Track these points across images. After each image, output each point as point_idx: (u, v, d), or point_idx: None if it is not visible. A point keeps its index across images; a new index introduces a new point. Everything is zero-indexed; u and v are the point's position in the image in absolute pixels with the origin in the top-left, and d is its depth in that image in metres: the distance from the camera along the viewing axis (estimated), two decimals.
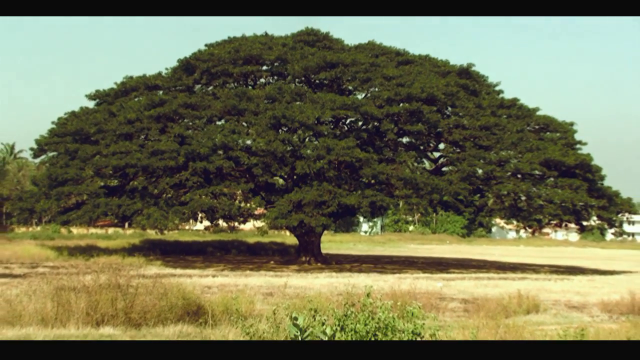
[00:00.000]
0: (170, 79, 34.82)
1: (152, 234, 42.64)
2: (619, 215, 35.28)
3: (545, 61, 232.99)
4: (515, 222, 35.74)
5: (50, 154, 34.67)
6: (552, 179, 32.41)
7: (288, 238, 48.30)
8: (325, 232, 39.31)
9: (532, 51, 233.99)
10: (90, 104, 36.37)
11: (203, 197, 29.45)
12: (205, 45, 36.38)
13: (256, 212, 33.20)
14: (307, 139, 31.48)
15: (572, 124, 36.01)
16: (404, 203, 32.35)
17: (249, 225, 43.49)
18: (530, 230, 38.11)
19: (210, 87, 34.66)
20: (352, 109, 30.50)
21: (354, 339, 5.36)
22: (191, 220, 34.86)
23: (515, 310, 15.63)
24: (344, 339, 5.38)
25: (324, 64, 32.36)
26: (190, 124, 32.28)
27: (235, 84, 34.80)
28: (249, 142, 30.73)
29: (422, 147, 35.47)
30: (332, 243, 54.84)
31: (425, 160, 37.15)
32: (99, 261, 20.09)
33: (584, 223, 35.19)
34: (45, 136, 34.39)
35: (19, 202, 34.79)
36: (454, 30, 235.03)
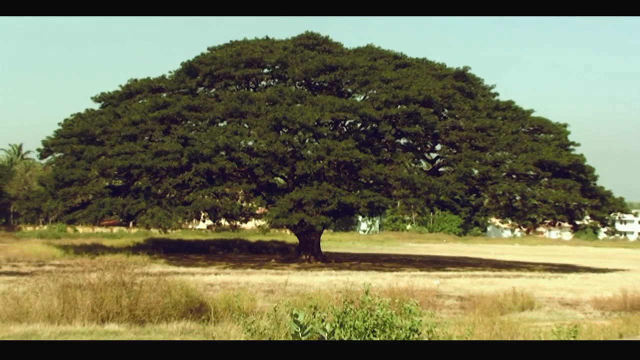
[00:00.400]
0: (174, 82, 34.82)
1: (156, 232, 42.62)
2: (611, 215, 35.29)
3: (540, 63, 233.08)
4: (510, 221, 35.74)
5: (57, 155, 34.67)
6: (546, 179, 32.42)
7: (289, 237, 48.28)
8: (325, 231, 39.33)
9: (527, 53, 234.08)
10: (96, 106, 36.40)
11: (206, 197, 29.46)
12: (208, 48, 36.39)
13: (257, 212, 33.20)
14: (307, 140, 31.48)
15: (565, 125, 36.04)
16: (402, 203, 32.34)
17: (251, 225, 43.48)
18: (524, 229, 38.15)
19: (213, 90, 34.68)
20: (351, 111, 30.52)
21: (353, 335, 5.36)
22: (194, 220, 34.85)
23: (510, 307, 15.63)
24: (343, 336, 5.38)
25: (324, 67, 32.38)
26: (193, 125, 32.27)
27: (237, 87, 34.81)
28: (250, 143, 30.73)
29: (419, 148, 35.49)
30: (331, 242, 54.81)
31: (422, 161, 37.17)
32: (104, 259, 20.02)
33: (577, 222, 35.20)
34: (52, 137, 34.40)
35: (26, 201, 34.81)
36: (451, 34, 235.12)
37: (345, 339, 5.23)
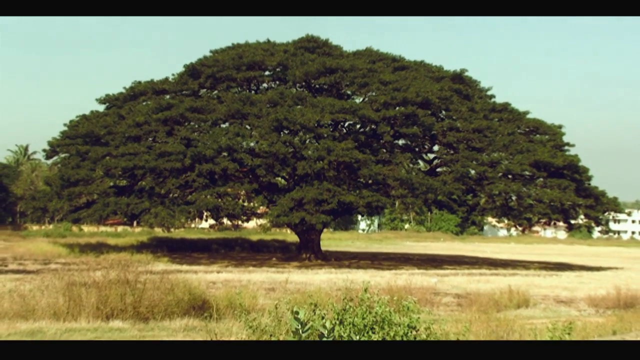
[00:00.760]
0: (177, 84, 34.82)
1: (159, 231, 42.63)
2: (605, 214, 35.29)
3: (535, 66, 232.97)
4: (506, 221, 35.74)
5: (62, 155, 34.66)
6: (541, 179, 32.42)
7: (289, 236, 48.26)
8: (325, 230, 39.31)
9: (522, 57, 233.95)
10: (101, 108, 36.39)
11: (208, 197, 29.45)
12: (210, 51, 36.43)
13: (259, 211, 33.17)
14: (307, 141, 31.48)
15: (560, 126, 36.05)
16: (400, 202, 32.33)
17: (252, 224, 43.45)
18: (520, 229, 38.10)
19: (215, 92, 34.67)
20: (350, 112, 30.52)
21: (352, 332, 5.36)
22: (197, 219, 34.84)
23: (506, 304, 15.64)
24: (342, 332, 5.38)
25: (324, 70, 32.38)
26: (196, 127, 32.26)
27: (239, 89, 34.79)
28: (252, 144, 30.73)
29: (417, 149, 35.49)
30: (331, 240, 54.79)
31: (420, 162, 37.16)
32: (108, 258, 20.03)
33: (572, 221, 35.20)
34: (58, 138, 34.38)
35: (33, 201, 34.80)
36: (449, 37, 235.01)
37: (345, 335, 5.23)
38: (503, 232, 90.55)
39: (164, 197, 31.14)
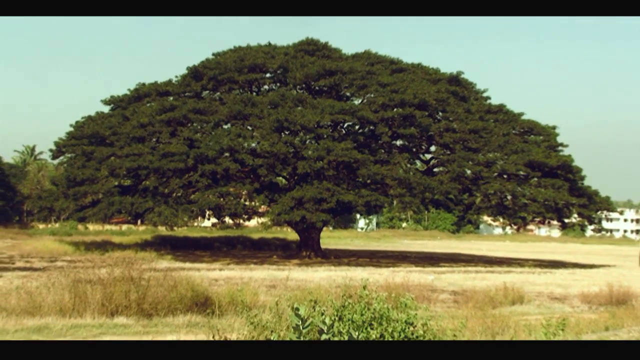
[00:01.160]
0: (180, 86, 34.80)
1: (163, 230, 42.59)
2: (598, 213, 35.29)
3: (530, 68, 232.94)
4: (501, 219, 35.73)
5: (68, 156, 34.66)
6: (535, 179, 32.42)
7: (290, 234, 48.26)
8: (325, 228, 39.28)
9: (518, 59, 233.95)
10: (106, 109, 36.40)
11: (210, 196, 29.44)
12: (213, 54, 36.40)
13: (260, 210, 33.15)
14: (308, 141, 31.47)
15: (554, 127, 36.04)
16: (398, 201, 32.31)
17: (253, 222, 43.40)
18: (515, 227, 38.09)
19: (217, 93, 34.64)
20: (349, 113, 30.52)
21: (351, 328, 5.36)
22: (199, 218, 34.82)
23: (502, 301, 15.63)
24: (342, 328, 5.38)
25: (323, 72, 32.36)
26: (199, 127, 32.24)
27: (241, 91, 34.78)
28: (253, 144, 30.72)
29: (414, 150, 35.48)
30: (330, 239, 54.78)
31: (417, 162, 37.13)
32: (113, 256, 20.04)
33: (566, 220, 35.20)
34: (64, 139, 34.38)
35: (39, 200, 34.82)
36: (447, 39, 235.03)
37: (344, 331, 5.23)
38: (498, 231, 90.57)
39: (168, 197, 31.13)
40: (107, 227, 56.01)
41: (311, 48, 35.68)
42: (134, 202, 30.08)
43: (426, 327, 5.69)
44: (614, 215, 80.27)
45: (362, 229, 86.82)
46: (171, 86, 34.98)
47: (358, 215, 76.75)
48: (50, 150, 35.43)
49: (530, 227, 64.08)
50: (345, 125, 33.49)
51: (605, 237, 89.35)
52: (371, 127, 32.10)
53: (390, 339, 5.41)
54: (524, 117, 36.19)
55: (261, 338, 6.23)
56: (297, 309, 4.55)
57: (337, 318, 5.60)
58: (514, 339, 7.91)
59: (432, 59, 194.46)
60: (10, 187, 59.13)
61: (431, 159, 36.16)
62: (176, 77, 35.86)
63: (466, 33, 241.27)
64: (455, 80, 36.06)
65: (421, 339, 5.57)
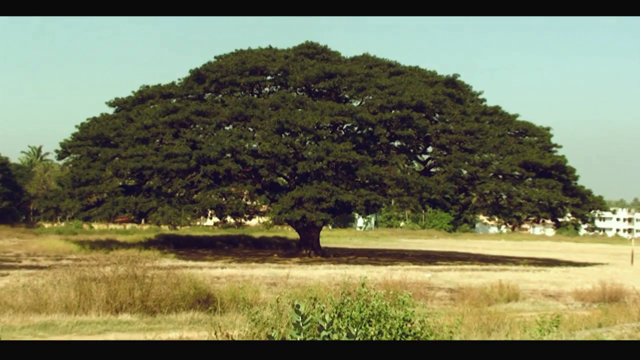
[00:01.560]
0: (183, 88, 34.79)
1: (166, 229, 42.57)
2: (591, 212, 35.31)
3: (526, 71, 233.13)
4: (496, 219, 35.75)
5: (74, 156, 34.64)
6: (530, 179, 32.43)
7: (290, 233, 48.25)
8: (324, 227, 39.27)
9: (514, 62, 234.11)
10: (110, 111, 36.38)
11: (212, 196, 29.44)
12: (215, 57, 36.37)
13: (261, 209, 33.14)
14: (307, 142, 31.48)
15: (548, 128, 36.04)
16: (396, 201, 32.32)
17: (255, 221, 43.40)
18: (510, 226, 38.10)
19: (219, 96, 34.63)
20: (348, 115, 30.52)
21: (350, 325, 5.36)
22: (202, 217, 34.81)
23: (497, 298, 15.64)
24: (341, 325, 5.38)
25: (323, 75, 32.37)
26: (201, 129, 32.25)
27: (242, 93, 34.77)
28: (255, 145, 30.71)
29: (412, 150, 35.49)
30: (330, 237, 54.76)
31: (415, 162, 37.14)
32: (117, 254, 20.01)
33: (559, 219, 35.21)
34: (69, 140, 34.37)
35: (45, 200, 34.80)
36: (444, 41, 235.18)
37: (343, 328, 5.23)
38: (494, 230, 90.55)
39: (171, 197, 31.13)
40: (112, 226, 55.97)
41: (311, 51, 35.69)
42: (137, 201, 30.08)
43: (423, 323, 5.69)
44: (606, 214, 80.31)
45: (360, 228, 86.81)
46: (174, 89, 34.97)
47: (357, 215, 76.78)
48: (56, 151, 35.47)
49: (525, 226, 64.05)
50: (345, 126, 33.49)
51: (598, 235, 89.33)
52: (370, 129, 32.09)
53: (389, 335, 5.41)
54: (518, 119, 36.21)
55: (262, 334, 6.24)
56: (298, 306, 4.55)
57: (336, 315, 5.60)
58: (509, 335, 7.91)
59: (429, 62, 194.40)
60: (17, 187, 59.12)
61: (428, 159, 36.16)
62: (179, 79, 35.90)
63: (464, 35, 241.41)
64: (452, 82, 36.08)
65: (418, 335, 5.57)
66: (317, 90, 34.05)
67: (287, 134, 30.56)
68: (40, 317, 10.48)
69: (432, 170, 34.67)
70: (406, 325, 5.55)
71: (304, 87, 34.18)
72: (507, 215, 33.69)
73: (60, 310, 10.91)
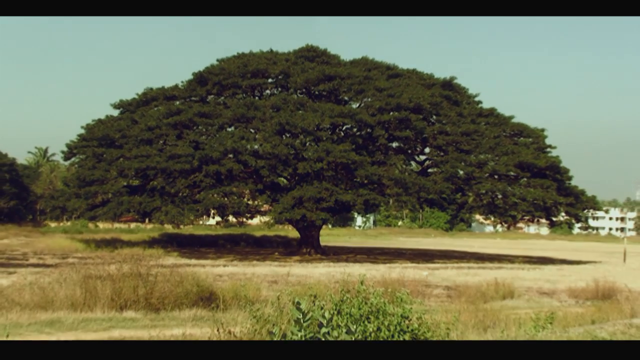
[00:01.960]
0: (186, 90, 34.79)
1: (169, 228, 42.58)
2: (585, 212, 35.29)
3: (523, 71, 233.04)
4: (492, 218, 35.71)
5: (79, 157, 34.64)
6: (525, 179, 32.42)
7: (290, 232, 48.25)
8: (324, 226, 39.27)
9: (510, 63, 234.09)
10: (115, 112, 36.36)
11: (215, 195, 29.45)
12: (217, 60, 36.38)
13: (262, 209, 33.14)
14: (308, 143, 31.47)
15: (543, 130, 36.02)
16: (395, 200, 32.32)
17: (256, 221, 43.40)
18: (505, 225, 38.08)
19: (222, 98, 34.63)
20: (348, 117, 30.53)
21: (349, 322, 5.37)
22: (204, 216, 34.80)
23: (493, 296, 15.63)
24: (340, 322, 5.38)
25: (323, 77, 32.37)
26: (204, 130, 32.25)
27: (244, 95, 34.77)
28: (256, 146, 30.70)
29: (409, 151, 35.49)
30: (329, 236, 54.78)
31: (412, 163, 37.14)
32: (122, 253, 20.02)
33: (554, 218, 35.18)
34: (75, 141, 34.36)
35: (52, 200, 34.78)
36: (442, 43, 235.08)
37: (342, 325, 5.24)
38: (489, 229, 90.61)
39: (174, 196, 31.12)
40: (117, 225, 56.01)
41: (311, 54, 35.69)
42: (142, 201, 30.09)
43: (421, 320, 5.70)
44: (599, 213, 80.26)
45: (359, 227, 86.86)
46: (177, 91, 34.97)
47: (356, 214, 76.81)
48: (62, 151, 35.43)
49: (520, 225, 64.09)
50: (344, 128, 33.48)
51: (592, 234, 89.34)
52: (368, 130, 32.09)
53: (387, 332, 5.42)
54: (514, 120, 36.19)
55: (263, 331, 6.24)
56: (299, 304, 4.56)
57: (335, 312, 5.61)
58: (505, 332, 7.91)
59: (427, 65, 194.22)
60: (24, 187, 59.13)
61: (425, 160, 36.16)
62: (182, 82, 35.88)
63: (462, 38, 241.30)
64: (449, 85, 36.08)
65: (416, 332, 5.57)
66: (317, 92, 34.05)
67: (287, 135, 30.56)
68: (47, 314, 10.48)
69: (430, 170, 34.68)
70: (404, 322, 5.56)
71: (304, 90, 34.18)
72: (503, 215, 33.68)
73: (66, 308, 10.91)
